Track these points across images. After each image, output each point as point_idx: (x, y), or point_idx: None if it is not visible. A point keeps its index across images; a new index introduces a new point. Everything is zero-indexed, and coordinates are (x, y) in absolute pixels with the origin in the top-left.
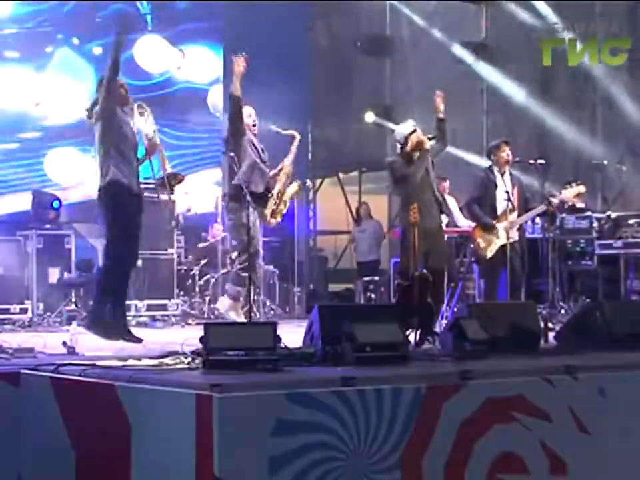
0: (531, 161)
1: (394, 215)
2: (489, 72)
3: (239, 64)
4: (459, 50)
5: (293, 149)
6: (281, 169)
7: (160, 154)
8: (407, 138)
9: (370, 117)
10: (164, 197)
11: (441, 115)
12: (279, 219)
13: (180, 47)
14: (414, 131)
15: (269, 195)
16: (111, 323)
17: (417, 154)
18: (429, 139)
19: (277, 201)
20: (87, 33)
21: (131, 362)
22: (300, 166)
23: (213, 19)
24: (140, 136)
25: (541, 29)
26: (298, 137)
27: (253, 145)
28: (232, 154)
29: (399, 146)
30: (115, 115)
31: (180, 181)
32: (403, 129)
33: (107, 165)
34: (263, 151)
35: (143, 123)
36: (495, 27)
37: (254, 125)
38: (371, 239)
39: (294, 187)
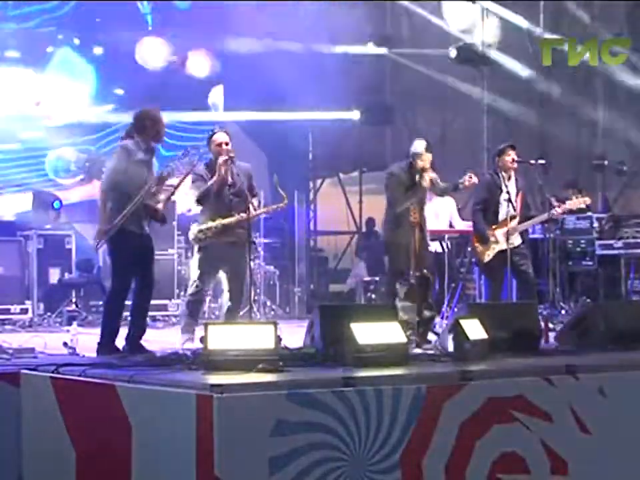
0: (532, 161)
1: None
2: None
3: None
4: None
5: (272, 208)
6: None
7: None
8: (415, 156)
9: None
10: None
11: (461, 187)
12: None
13: (180, 47)
14: (421, 154)
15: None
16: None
17: (416, 177)
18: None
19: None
20: (87, 33)
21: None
22: (300, 167)
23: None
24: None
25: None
26: (284, 204)
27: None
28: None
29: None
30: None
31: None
32: (417, 145)
33: (110, 208)
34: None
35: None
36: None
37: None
38: (376, 257)
39: None
